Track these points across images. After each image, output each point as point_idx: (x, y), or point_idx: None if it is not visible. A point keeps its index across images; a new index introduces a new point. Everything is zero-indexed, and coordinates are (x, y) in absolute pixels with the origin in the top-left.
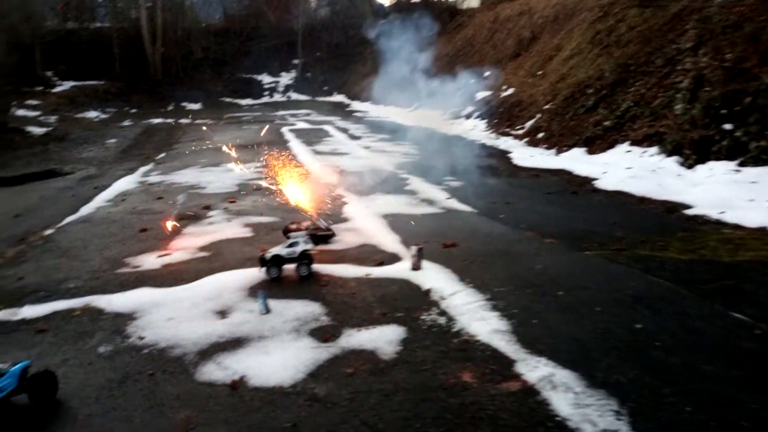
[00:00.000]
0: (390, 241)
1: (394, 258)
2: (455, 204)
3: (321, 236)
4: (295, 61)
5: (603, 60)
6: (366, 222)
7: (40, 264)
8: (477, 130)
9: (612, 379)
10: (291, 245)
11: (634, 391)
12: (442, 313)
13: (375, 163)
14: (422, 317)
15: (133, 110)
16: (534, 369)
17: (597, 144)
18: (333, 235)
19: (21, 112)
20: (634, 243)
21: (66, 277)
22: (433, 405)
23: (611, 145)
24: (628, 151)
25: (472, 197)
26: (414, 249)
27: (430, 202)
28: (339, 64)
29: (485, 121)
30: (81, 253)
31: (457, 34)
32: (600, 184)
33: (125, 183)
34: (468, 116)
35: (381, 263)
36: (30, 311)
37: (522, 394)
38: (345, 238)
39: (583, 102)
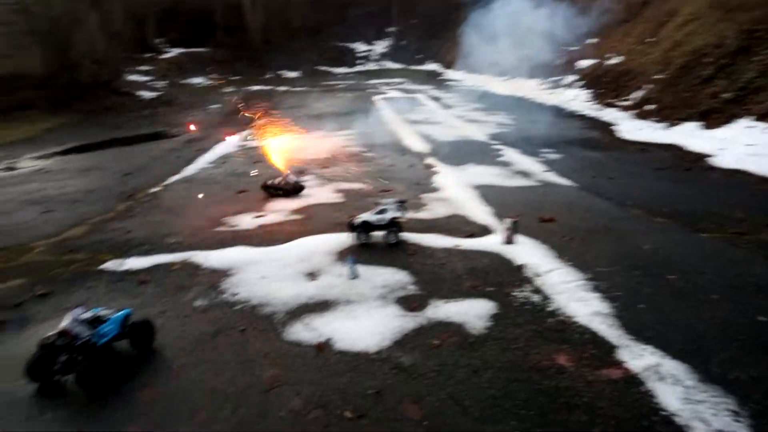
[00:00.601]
0: (481, 213)
1: (485, 230)
2: (553, 177)
3: (289, 189)
4: (390, 29)
5: (724, 26)
6: (456, 192)
7: (146, 219)
8: (578, 101)
9: (731, 375)
10: (380, 212)
11: (758, 391)
12: (537, 290)
13: (467, 133)
14: (514, 293)
15: (235, 77)
16: (639, 357)
17: (714, 118)
18: (302, 188)
19: (133, 78)
20: (757, 227)
21: (169, 232)
22: (525, 386)
23: (730, 120)
24: (750, 127)
25: (571, 171)
26: (508, 221)
27: (525, 174)
28: (433, 32)
29: (588, 91)
30: (183, 211)
31: None
32: (716, 161)
33: (226, 146)
34: (568, 86)
35: (471, 235)
36: (135, 263)
37: (624, 382)
38: (434, 208)
39: (699, 72)
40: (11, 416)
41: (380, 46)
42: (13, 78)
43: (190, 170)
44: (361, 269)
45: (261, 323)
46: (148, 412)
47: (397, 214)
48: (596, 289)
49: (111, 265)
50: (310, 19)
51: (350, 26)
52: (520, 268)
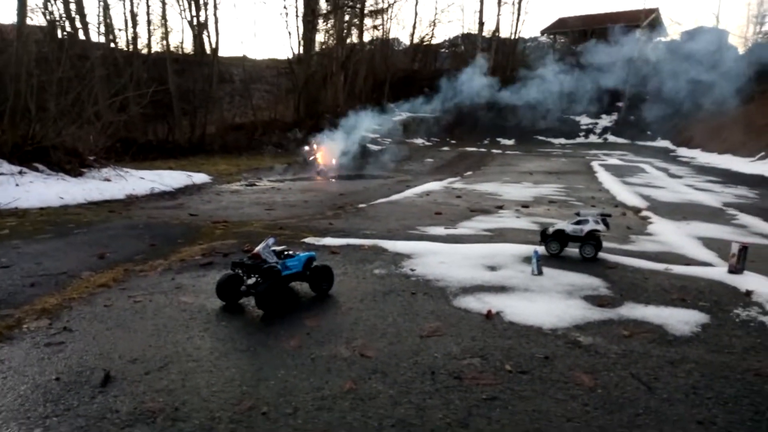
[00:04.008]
0: (701, 253)
1: (703, 264)
2: None
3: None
4: (619, 104)
5: None
6: (673, 237)
7: (348, 221)
8: None
9: None
10: (578, 223)
11: None
12: (767, 313)
13: (696, 199)
14: (736, 311)
15: (453, 141)
16: None
17: None
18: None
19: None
20: None
21: (365, 228)
22: (737, 385)
23: None
24: None
25: None
26: (736, 247)
27: (765, 236)
28: (668, 107)
29: None
30: (382, 219)
31: None
32: None
33: (432, 185)
34: None
35: (687, 264)
36: (330, 241)
37: None
38: (644, 245)
39: None
40: (197, 321)
41: (606, 120)
42: (271, 123)
43: (395, 197)
44: (548, 270)
45: (432, 291)
46: (310, 333)
47: (598, 227)
48: None
49: (310, 240)
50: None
51: (576, 98)
52: (748, 293)
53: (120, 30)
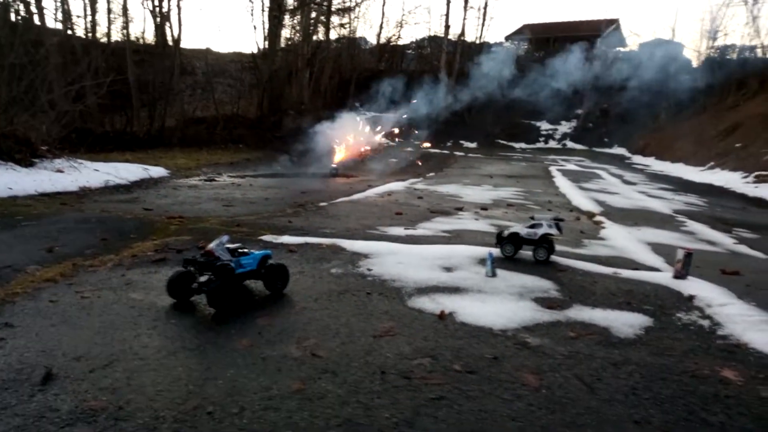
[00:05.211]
0: (649, 258)
1: (651, 269)
2: (744, 249)
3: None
4: (579, 111)
5: None
6: (623, 242)
7: (308, 219)
8: None
9: None
10: (532, 226)
11: None
12: (707, 317)
13: (647, 205)
14: (678, 315)
15: (417, 141)
16: None
17: None
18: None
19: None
20: None
21: (324, 227)
22: (673, 386)
23: None
24: None
25: None
26: (681, 253)
27: (710, 242)
28: (626, 116)
29: None
30: (342, 218)
31: None
32: None
33: (394, 186)
34: None
35: (635, 269)
36: (288, 239)
37: None
38: (596, 249)
39: None
40: (145, 318)
41: (565, 127)
42: (233, 118)
43: (357, 196)
44: (502, 273)
45: (388, 291)
46: (262, 332)
47: (551, 231)
48: None
49: (267, 237)
50: (500, 94)
51: (538, 104)
52: (690, 298)
53: (78, 17)
